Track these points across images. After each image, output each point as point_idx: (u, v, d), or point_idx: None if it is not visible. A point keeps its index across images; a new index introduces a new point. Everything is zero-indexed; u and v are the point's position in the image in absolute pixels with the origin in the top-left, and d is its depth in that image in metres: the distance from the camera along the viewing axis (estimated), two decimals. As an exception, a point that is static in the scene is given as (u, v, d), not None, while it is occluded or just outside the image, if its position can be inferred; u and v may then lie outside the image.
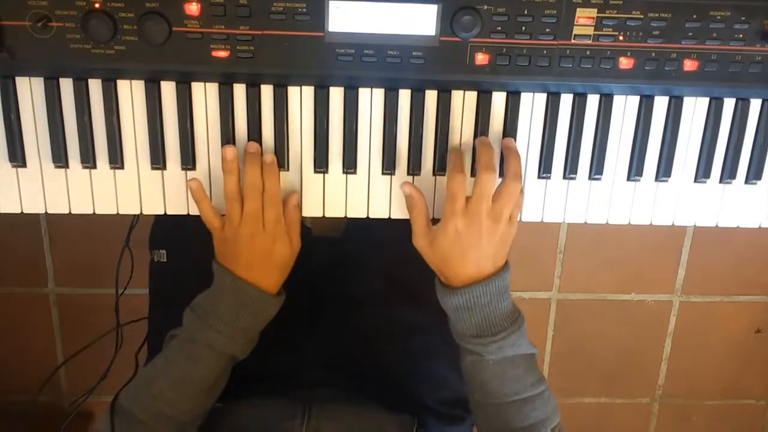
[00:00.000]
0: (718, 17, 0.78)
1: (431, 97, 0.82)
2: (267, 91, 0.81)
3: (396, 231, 0.86)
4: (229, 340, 0.79)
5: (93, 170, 0.82)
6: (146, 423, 0.78)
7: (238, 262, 0.80)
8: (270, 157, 0.81)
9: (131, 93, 0.80)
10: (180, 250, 0.99)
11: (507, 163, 0.80)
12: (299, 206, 0.84)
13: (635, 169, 0.85)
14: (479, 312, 0.78)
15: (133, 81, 0.80)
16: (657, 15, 0.77)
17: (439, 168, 0.84)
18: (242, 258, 0.80)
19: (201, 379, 0.80)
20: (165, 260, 0.99)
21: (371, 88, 0.81)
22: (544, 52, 0.78)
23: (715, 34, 0.78)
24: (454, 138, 0.83)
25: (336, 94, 0.81)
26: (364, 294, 1.00)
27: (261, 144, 0.82)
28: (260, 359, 0.92)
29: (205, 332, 0.79)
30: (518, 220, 0.83)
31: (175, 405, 0.79)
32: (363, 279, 1.01)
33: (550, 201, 0.87)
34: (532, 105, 0.83)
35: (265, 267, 0.81)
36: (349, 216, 0.86)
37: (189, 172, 0.82)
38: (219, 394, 0.83)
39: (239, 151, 0.81)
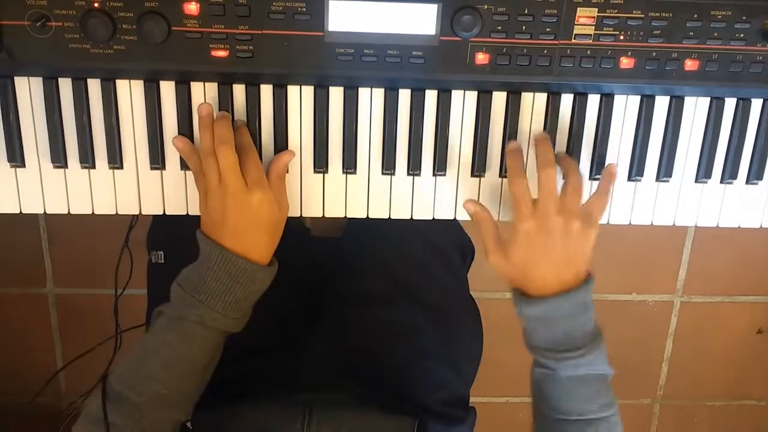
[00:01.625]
0: (719, 17, 0.77)
1: (431, 96, 0.82)
2: (266, 91, 0.81)
3: (395, 230, 0.86)
4: (221, 315, 0.76)
5: (92, 170, 0.82)
6: (142, 406, 0.75)
7: (224, 229, 0.76)
8: (239, 121, 0.80)
9: (130, 93, 0.80)
10: (178, 251, 0.98)
11: (558, 162, 0.79)
12: (287, 168, 0.81)
13: (636, 169, 0.85)
14: (559, 325, 0.75)
15: (132, 81, 0.79)
16: (658, 14, 0.77)
17: (439, 168, 0.84)
18: (228, 222, 0.76)
19: (195, 357, 0.77)
20: (163, 261, 0.98)
21: (371, 87, 0.81)
22: (545, 51, 0.78)
23: (716, 34, 0.78)
24: (454, 138, 0.83)
25: (336, 94, 0.81)
26: (364, 294, 1.00)
27: (261, 144, 0.82)
28: (259, 360, 0.92)
29: (196, 309, 0.75)
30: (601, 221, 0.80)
31: (170, 385, 0.76)
32: (363, 279, 1.01)
33: (551, 201, 0.86)
34: (533, 105, 0.83)
35: (252, 231, 0.77)
36: (348, 216, 0.86)
37: (188, 173, 0.82)
38: (212, 372, 0.80)
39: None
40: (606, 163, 0.85)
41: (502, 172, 0.84)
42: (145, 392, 0.75)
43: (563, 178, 0.78)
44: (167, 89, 0.80)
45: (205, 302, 0.75)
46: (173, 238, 0.99)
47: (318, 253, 1.10)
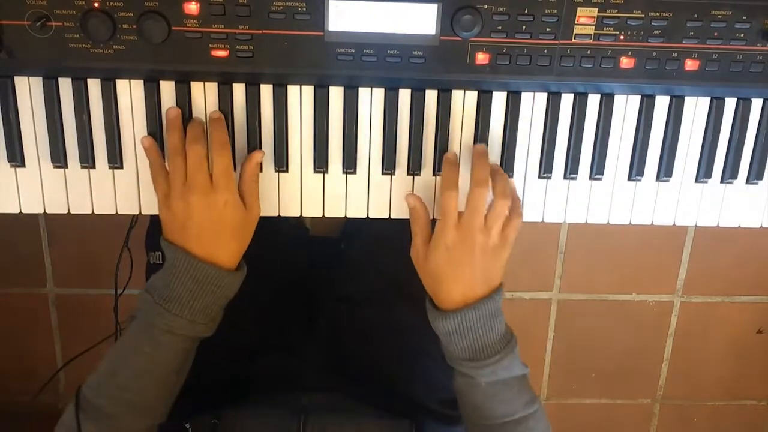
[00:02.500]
0: (720, 17, 0.77)
1: (431, 96, 0.82)
2: (266, 91, 0.80)
3: (393, 231, 0.85)
4: (189, 322, 0.76)
5: (92, 170, 0.82)
6: (115, 415, 0.75)
7: (187, 233, 0.75)
8: (216, 113, 0.79)
9: (130, 93, 0.80)
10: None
11: (492, 177, 0.79)
12: (260, 166, 0.80)
13: (636, 169, 0.85)
14: (472, 336, 0.76)
15: (132, 81, 0.79)
16: (658, 14, 0.77)
17: (439, 168, 0.83)
18: (192, 223, 0.75)
19: (164, 364, 0.77)
20: (161, 262, 0.98)
21: (371, 87, 0.81)
22: (545, 51, 0.78)
23: (716, 34, 0.78)
24: (455, 138, 0.83)
25: (336, 94, 0.81)
26: (361, 294, 1.00)
27: (261, 144, 0.82)
28: (256, 362, 0.92)
29: (163, 317, 0.75)
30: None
31: (143, 393, 0.76)
32: (360, 279, 1.01)
33: (551, 201, 0.86)
34: (533, 105, 0.83)
35: (217, 234, 0.76)
36: (349, 216, 0.85)
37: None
38: (185, 377, 0.80)
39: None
40: (606, 163, 0.85)
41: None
42: (117, 400, 0.75)
43: (493, 195, 0.78)
44: (167, 89, 0.80)
45: (172, 310, 0.75)
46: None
47: (316, 253, 1.10)
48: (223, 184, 0.76)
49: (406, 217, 0.82)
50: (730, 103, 0.84)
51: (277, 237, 0.93)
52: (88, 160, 0.80)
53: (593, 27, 0.77)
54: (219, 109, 0.80)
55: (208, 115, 0.80)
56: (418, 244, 0.79)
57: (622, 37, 0.78)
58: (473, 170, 0.78)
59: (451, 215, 0.76)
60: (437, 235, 0.77)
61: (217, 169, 0.76)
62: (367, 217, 0.85)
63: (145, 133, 0.80)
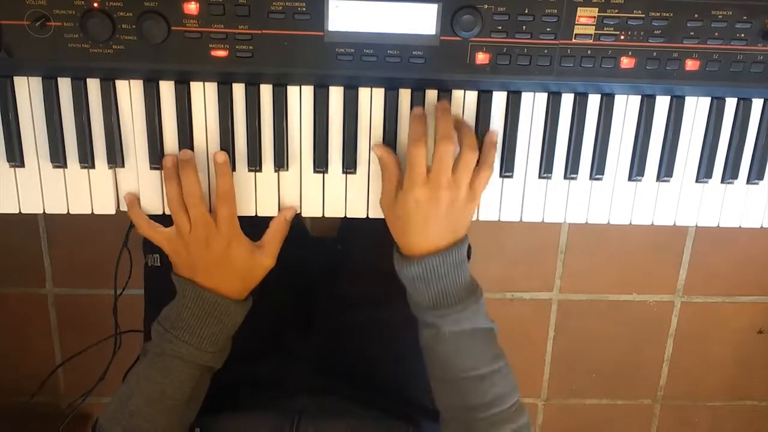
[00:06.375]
0: (720, 17, 0.77)
1: (431, 96, 0.82)
2: (266, 91, 0.80)
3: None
4: (196, 349, 0.79)
5: (91, 170, 0.82)
6: None
7: (196, 270, 0.80)
8: (222, 157, 0.80)
9: (130, 93, 0.80)
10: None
11: (458, 132, 0.79)
12: (289, 222, 0.83)
13: (636, 169, 0.85)
14: (436, 283, 0.77)
15: (131, 81, 0.79)
16: (658, 14, 0.77)
17: (440, 168, 0.83)
18: (199, 265, 0.80)
19: (176, 391, 0.79)
20: (159, 264, 0.98)
21: (371, 87, 0.81)
22: (545, 51, 0.78)
23: (716, 34, 0.78)
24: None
25: (336, 94, 0.81)
26: (358, 294, 0.99)
27: (260, 144, 0.81)
28: (253, 364, 0.92)
29: (173, 343, 0.79)
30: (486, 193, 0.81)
31: (153, 421, 0.78)
32: (358, 280, 1.01)
33: (551, 201, 0.86)
34: (533, 105, 0.83)
35: (224, 273, 0.80)
36: (348, 216, 0.85)
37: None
38: (199, 407, 0.83)
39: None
40: (606, 163, 0.85)
41: (503, 172, 0.84)
42: (130, 428, 0.78)
43: (459, 149, 0.77)
44: (167, 89, 0.80)
45: (180, 337, 0.79)
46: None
47: (315, 254, 1.10)
48: (226, 228, 0.79)
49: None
50: (731, 104, 0.84)
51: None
52: (87, 160, 0.80)
53: (593, 27, 0.77)
54: (219, 109, 0.80)
55: (213, 156, 0.80)
56: (387, 191, 0.80)
57: (622, 37, 0.77)
58: (437, 125, 0.78)
59: (419, 170, 0.76)
60: (406, 188, 0.77)
61: (222, 215, 0.79)
62: (367, 217, 0.85)
63: (145, 133, 0.80)
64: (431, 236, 0.77)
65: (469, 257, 1.09)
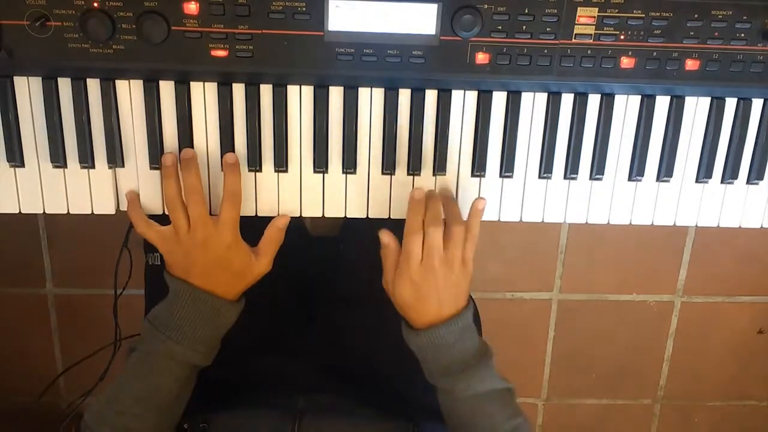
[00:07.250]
0: (720, 16, 0.77)
1: (431, 96, 0.82)
2: (266, 91, 0.80)
3: (391, 230, 0.85)
4: (188, 350, 0.79)
5: (91, 170, 0.82)
6: None
7: (191, 271, 0.79)
8: (232, 158, 0.80)
9: (130, 93, 0.80)
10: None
11: (444, 209, 0.80)
12: (282, 230, 0.83)
13: (636, 169, 0.85)
14: (445, 351, 0.80)
15: (131, 81, 0.79)
16: (658, 14, 0.77)
17: (439, 168, 0.83)
18: (195, 266, 0.79)
19: (165, 390, 0.79)
20: (159, 263, 0.98)
21: (371, 87, 0.81)
22: (545, 51, 0.78)
23: (716, 34, 0.78)
24: (454, 138, 0.83)
25: (335, 94, 0.81)
26: (360, 294, 0.99)
27: (260, 144, 0.81)
28: (254, 362, 0.92)
29: (164, 344, 0.78)
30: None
31: (141, 420, 0.78)
32: (359, 279, 1.01)
33: (551, 201, 0.86)
34: (533, 105, 0.83)
35: (219, 275, 0.80)
36: (348, 216, 0.85)
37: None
38: (185, 404, 0.82)
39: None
40: (606, 163, 0.85)
41: (503, 172, 0.84)
42: (117, 427, 0.77)
43: (446, 223, 0.79)
44: (167, 89, 0.80)
45: (173, 337, 0.78)
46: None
47: (315, 253, 1.10)
48: (228, 231, 0.79)
49: (406, 217, 0.82)
50: (731, 104, 0.84)
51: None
52: (87, 160, 0.80)
53: (593, 27, 0.77)
54: (219, 109, 0.80)
55: (223, 158, 0.80)
56: (388, 276, 0.82)
57: (622, 37, 0.77)
58: (427, 209, 0.79)
59: (414, 256, 0.78)
60: (401, 270, 0.79)
61: (226, 217, 0.78)
62: (367, 217, 0.85)
63: (145, 133, 0.80)
64: (432, 310, 0.80)
65: (477, 321, 1.10)
